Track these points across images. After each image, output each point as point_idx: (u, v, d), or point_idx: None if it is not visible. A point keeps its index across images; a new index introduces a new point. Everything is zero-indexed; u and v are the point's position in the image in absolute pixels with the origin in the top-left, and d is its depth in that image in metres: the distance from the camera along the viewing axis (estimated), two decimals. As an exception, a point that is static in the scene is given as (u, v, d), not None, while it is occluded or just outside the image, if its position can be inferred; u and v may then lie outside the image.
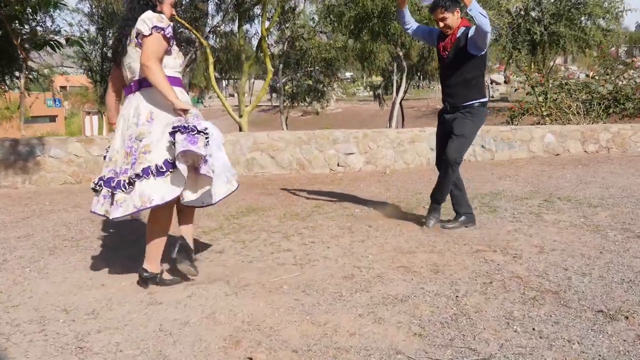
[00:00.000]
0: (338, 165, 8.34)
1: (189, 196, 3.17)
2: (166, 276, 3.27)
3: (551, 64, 15.17)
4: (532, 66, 12.42)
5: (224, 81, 35.27)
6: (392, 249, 3.97)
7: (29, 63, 12.00)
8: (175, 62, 3.20)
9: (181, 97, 3.10)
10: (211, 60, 10.58)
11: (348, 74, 44.97)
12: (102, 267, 3.62)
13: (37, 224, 4.99)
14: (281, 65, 15.89)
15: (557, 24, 12.46)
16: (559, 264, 3.46)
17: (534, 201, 5.53)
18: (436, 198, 4.54)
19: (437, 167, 4.69)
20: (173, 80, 3.12)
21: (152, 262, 3.21)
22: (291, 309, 2.85)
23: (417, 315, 2.75)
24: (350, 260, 3.69)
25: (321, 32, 14.62)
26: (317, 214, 5.15)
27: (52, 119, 41.17)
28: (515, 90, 11.37)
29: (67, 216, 5.30)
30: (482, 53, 4.31)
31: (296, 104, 21.82)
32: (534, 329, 2.55)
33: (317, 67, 16.72)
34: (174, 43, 3.20)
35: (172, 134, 2.95)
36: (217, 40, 16.13)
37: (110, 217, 3.04)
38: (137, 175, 2.98)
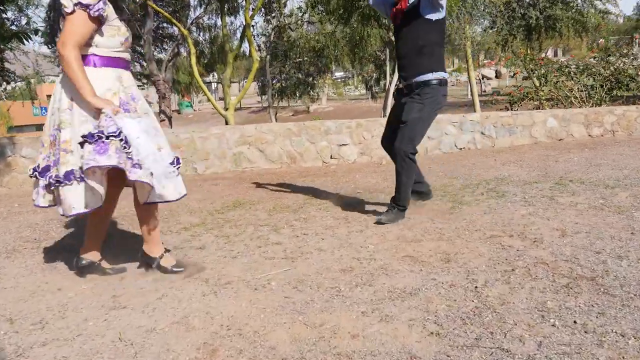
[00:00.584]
0: (331, 157, 7.89)
1: (145, 196, 2.82)
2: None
3: (542, 55, 14.79)
4: (529, 51, 12.00)
5: (213, 84, 34.77)
6: (395, 238, 3.52)
7: (6, 64, 11.49)
8: (112, 41, 2.71)
9: (125, 82, 2.77)
10: (193, 51, 10.07)
11: (339, 74, 44.50)
12: (62, 269, 3.14)
13: (0, 226, 4.49)
14: (268, 57, 15.37)
15: (552, 7, 12.04)
16: (587, 247, 3.01)
17: (544, 185, 5.09)
18: (395, 201, 3.95)
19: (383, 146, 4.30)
20: (110, 62, 2.71)
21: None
22: (280, 308, 2.38)
23: (431, 310, 2.29)
24: (348, 252, 3.23)
25: (309, 22, 14.08)
26: (310, 205, 4.68)
27: (39, 127, 40.45)
28: (513, 75, 10.93)
29: (35, 217, 4.81)
30: (439, 18, 3.78)
31: (286, 99, 21.20)
32: (575, 322, 2.09)
33: (306, 58, 16.09)
34: (112, 19, 2.70)
35: (81, 144, 2.57)
36: (201, 33, 15.72)
37: (60, 213, 2.67)
38: (58, 181, 2.63)
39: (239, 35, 10.86)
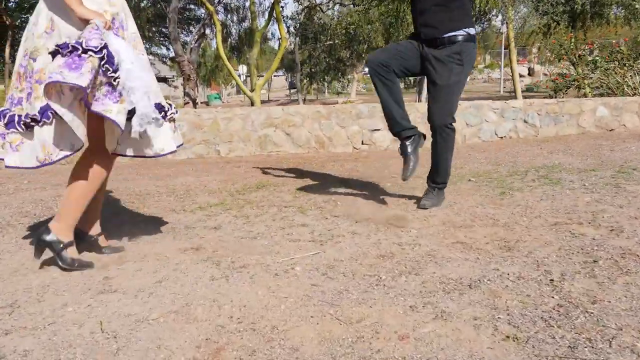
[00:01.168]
0: (362, 143, 7.37)
1: (113, 144, 2.42)
2: (73, 253, 2.36)
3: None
4: (573, 40, 11.24)
5: (242, 75, 34.54)
6: (440, 222, 3.00)
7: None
8: None
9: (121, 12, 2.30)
10: (219, 28, 9.60)
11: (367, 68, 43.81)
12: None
13: (2, 201, 4.10)
14: (297, 39, 14.78)
15: (600, -9, 11.26)
16: (683, 238, 2.46)
17: (604, 173, 4.50)
18: (434, 179, 3.51)
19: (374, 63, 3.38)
20: None
21: (63, 224, 2.34)
22: (306, 298, 1.90)
23: (500, 307, 1.77)
24: (386, 236, 2.73)
25: (340, 3, 13.45)
26: (340, 187, 4.19)
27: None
28: (559, 59, 10.18)
29: (42, 194, 4.41)
30: None
31: (315, 88, 20.48)
32: (701, 328, 1.55)
33: (337, 41, 15.40)
34: None
35: (52, 54, 2.08)
36: (228, 15, 15.25)
37: (5, 164, 2.18)
38: (34, 120, 2.12)
39: (267, 15, 10.35)
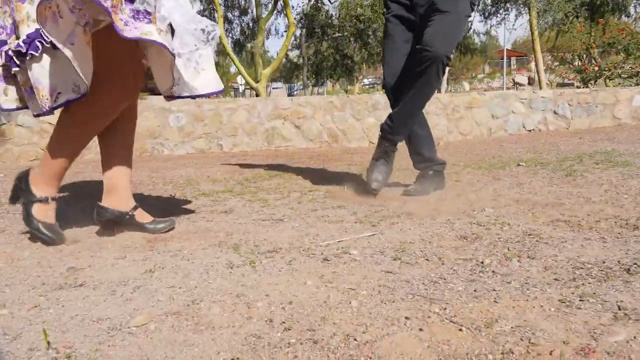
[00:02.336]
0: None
1: (168, 81, 1.75)
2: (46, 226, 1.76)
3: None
4: (593, 33, 10.62)
5: (240, 87, 33.99)
6: (514, 201, 2.32)
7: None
8: None
9: None
10: (220, 13, 8.95)
11: (367, 80, 43.21)
12: (16, 231, 2.00)
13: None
14: (304, 31, 13.97)
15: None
16: None
17: (676, 155, 3.83)
18: (394, 129, 2.69)
19: (389, 91, 2.81)
20: None
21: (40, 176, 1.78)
22: (386, 290, 1.19)
23: None
24: (457, 216, 2.03)
25: None
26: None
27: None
28: (587, 48, 9.49)
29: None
30: None
31: (322, 81, 19.57)
32: None
33: (346, 33, 14.53)
34: None
35: None
36: (230, 11, 14.50)
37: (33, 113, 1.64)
38: (20, 53, 1.53)
39: (272, 2, 9.68)
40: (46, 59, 1.52)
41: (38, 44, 1.48)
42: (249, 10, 15.05)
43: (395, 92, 2.68)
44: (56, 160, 1.75)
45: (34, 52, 1.49)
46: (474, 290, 1.17)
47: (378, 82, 45.02)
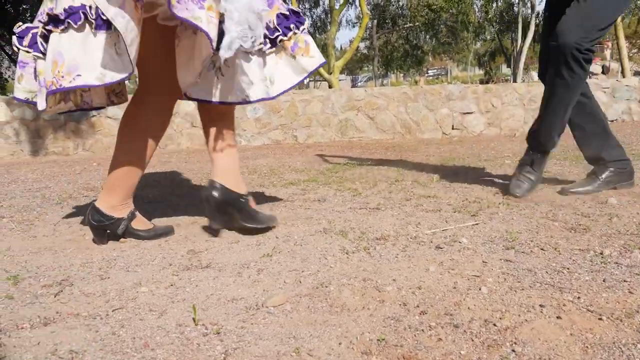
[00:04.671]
0: (453, 128, 6.59)
1: (191, 77, 1.59)
2: (139, 224, 1.76)
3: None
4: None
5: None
6: (626, 192, 2.23)
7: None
8: None
9: None
10: (294, 4, 9.02)
11: (432, 72, 42.39)
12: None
13: (66, 179, 3.60)
14: (374, 22, 13.91)
15: None
16: None
17: None
18: (539, 140, 2.30)
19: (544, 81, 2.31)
20: None
21: (110, 199, 1.69)
22: (511, 278, 1.19)
23: None
24: (555, 207, 1.98)
25: None
26: (453, 163, 3.46)
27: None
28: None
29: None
30: None
31: (392, 72, 19.40)
32: None
33: (417, 23, 14.32)
34: None
35: None
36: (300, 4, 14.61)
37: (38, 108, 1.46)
38: (56, 19, 1.40)
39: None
40: (78, 35, 1.38)
41: (82, 14, 1.37)
42: (321, 2, 15.14)
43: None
44: (126, 179, 1.69)
45: (72, 22, 1.37)
46: (603, 281, 1.15)
47: (443, 74, 44.05)
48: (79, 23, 1.37)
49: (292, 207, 2.20)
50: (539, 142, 2.29)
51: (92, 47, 1.39)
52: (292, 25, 1.66)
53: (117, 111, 6.04)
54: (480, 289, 1.11)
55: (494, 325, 0.94)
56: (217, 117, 1.74)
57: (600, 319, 0.96)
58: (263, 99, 1.65)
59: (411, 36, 15.49)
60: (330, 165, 3.83)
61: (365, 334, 0.93)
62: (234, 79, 1.59)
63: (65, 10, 1.37)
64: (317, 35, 16.49)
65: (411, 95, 6.56)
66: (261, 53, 1.62)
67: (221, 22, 1.44)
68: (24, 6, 14.40)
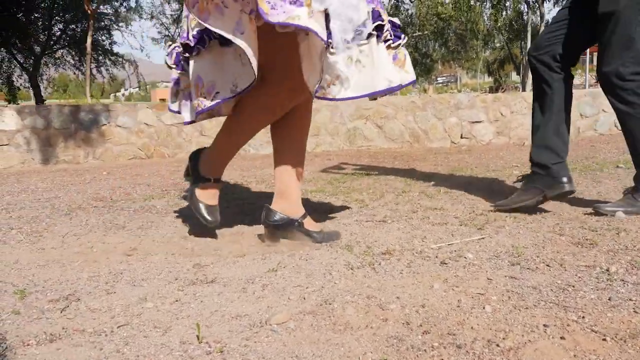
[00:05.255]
0: (461, 136, 6.58)
1: (316, 76, 1.54)
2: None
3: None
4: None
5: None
6: (627, 207, 2.21)
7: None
8: None
9: None
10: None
11: (441, 79, 42.35)
12: (130, 229, 2.13)
13: (76, 189, 3.64)
14: None
15: None
16: None
17: None
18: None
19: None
20: None
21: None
22: (515, 296, 1.19)
23: None
24: (563, 221, 1.98)
25: None
26: (459, 174, 3.45)
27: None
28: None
29: (120, 182, 3.93)
30: None
31: None
32: None
33: (426, 32, 14.30)
34: None
35: None
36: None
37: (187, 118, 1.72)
38: (188, 47, 1.56)
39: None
40: (209, 56, 1.53)
41: (206, 37, 1.50)
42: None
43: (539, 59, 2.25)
44: (223, 147, 1.80)
45: (200, 47, 1.51)
46: (609, 299, 1.15)
47: (452, 81, 43.96)
48: (207, 46, 1.52)
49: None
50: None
51: (222, 63, 1.53)
52: (402, 35, 1.69)
53: (126, 120, 6.10)
54: (484, 308, 1.11)
55: (497, 345, 0.94)
56: (288, 133, 1.84)
57: (604, 339, 0.96)
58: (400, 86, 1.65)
59: (420, 44, 15.50)
60: (338, 175, 3.84)
61: (367, 354, 0.93)
62: (374, 67, 1.55)
63: (193, 37, 1.51)
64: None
65: (419, 104, 6.56)
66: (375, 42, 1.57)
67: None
68: (35, 15, 14.61)
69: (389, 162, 4.68)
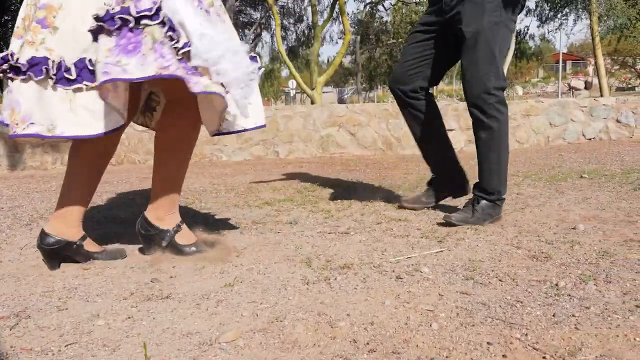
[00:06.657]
0: (434, 144, 6.61)
1: (216, 122, 1.72)
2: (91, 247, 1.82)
3: None
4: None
5: (292, 91, 34.23)
6: (582, 219, 2.27)
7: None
8: None
9: None
10: (278, 22, 9.06)
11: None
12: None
13: (40, 196, 3.58)
14: (358, 38, 14.05)
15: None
16: None
17: None
18: (482, 187, 2.37)
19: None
20: None
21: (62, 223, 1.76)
22: (464, 313, 1.21)
23: None
24: (521, 234, 2.02)
25: (403, 2, 12.56)
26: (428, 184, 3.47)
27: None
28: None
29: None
30: None
31: (376, 87, 19.60)
32: None
33: (400, 40, 14.40)
34: None
35: (94, 34, 1.43)
36: (285, 18, 14.70)
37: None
38: (17, 69, 1.48)
39: (329, 10, 9.74)
40: (37, 87, 1.47)
41: (44, 70, 1.46)
42: (305, 18, 15.28)
43: (399, 88, 2.63)
44: (73, 204, 1.77)
45: (32, 75, 1.45)
46: (553, 315, 1.17)
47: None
48: (40, 78, 1.46)
49: (262, 231, 2.20)
50: (485, 185, 2.43)
51: (47, 97, 1.47)
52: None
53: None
54: (431, 325, 1.12)
55: (440, 364, 0.96)
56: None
57: (544, 357, 0.98)
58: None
59: (395, 52, 15.68)
60: (308, 184, 3.85)
61: (311, 374, 0.94)
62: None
63: (27, 61, 1.44)
64: (301, 51, 16.76)
65: (392, 112, 6.61)
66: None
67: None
68: (5, 17, 14.37)
69: (361, 170, 4.70)
